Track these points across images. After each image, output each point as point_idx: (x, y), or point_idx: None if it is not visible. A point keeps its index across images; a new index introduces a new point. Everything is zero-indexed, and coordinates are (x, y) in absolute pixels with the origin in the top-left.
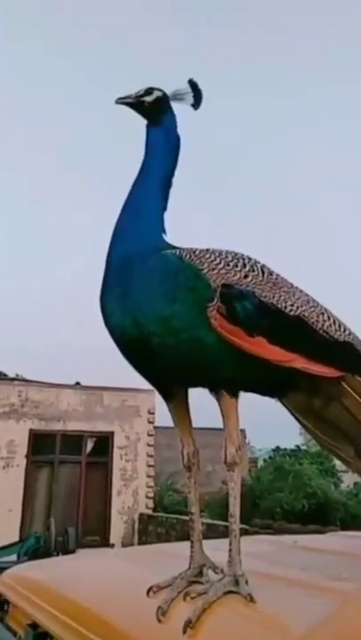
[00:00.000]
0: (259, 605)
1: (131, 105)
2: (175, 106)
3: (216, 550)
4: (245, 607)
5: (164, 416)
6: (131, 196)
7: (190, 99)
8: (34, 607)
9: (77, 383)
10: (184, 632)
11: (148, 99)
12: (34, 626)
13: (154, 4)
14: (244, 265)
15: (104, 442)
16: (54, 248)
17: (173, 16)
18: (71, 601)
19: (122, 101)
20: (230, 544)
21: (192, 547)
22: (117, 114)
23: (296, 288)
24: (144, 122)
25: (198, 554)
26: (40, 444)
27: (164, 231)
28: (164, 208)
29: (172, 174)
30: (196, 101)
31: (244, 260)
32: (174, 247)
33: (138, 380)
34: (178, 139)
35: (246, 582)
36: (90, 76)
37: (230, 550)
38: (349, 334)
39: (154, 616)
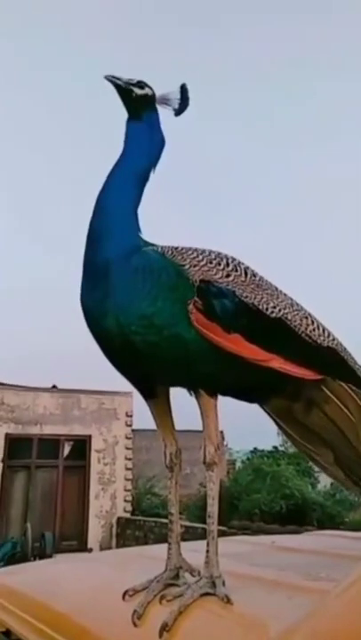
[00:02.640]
0: (236, 607)
1: (118, 88)
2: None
3: (194, 552)
4: (222, 609)
5: (142, 419)
6: (104, 192)
7: (176, 103)
8: (7, 614)
9: (54, 386)
10: (160, 636)
11: (138, 91)
12: (7, 633)
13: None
14: (227, 264)
15: (81, 445)
16: (31, 249)
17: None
18: (46, 607)
19: (112, 79)
20: (208, 545)
21: (169, 548)
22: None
23: (280, 291)
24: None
25: (175, 556)
26: (16, 448)
27: (139, 229)
28: (138, 204)
29: (149, 172)
30: (181, 108)
31: (227, 259)
32: (153, 244)
33: (115, 383)
34: (162, 139)
35: (223, 584)
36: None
37: (208, 551)
38: (333, 340)
39: (130, 620)
